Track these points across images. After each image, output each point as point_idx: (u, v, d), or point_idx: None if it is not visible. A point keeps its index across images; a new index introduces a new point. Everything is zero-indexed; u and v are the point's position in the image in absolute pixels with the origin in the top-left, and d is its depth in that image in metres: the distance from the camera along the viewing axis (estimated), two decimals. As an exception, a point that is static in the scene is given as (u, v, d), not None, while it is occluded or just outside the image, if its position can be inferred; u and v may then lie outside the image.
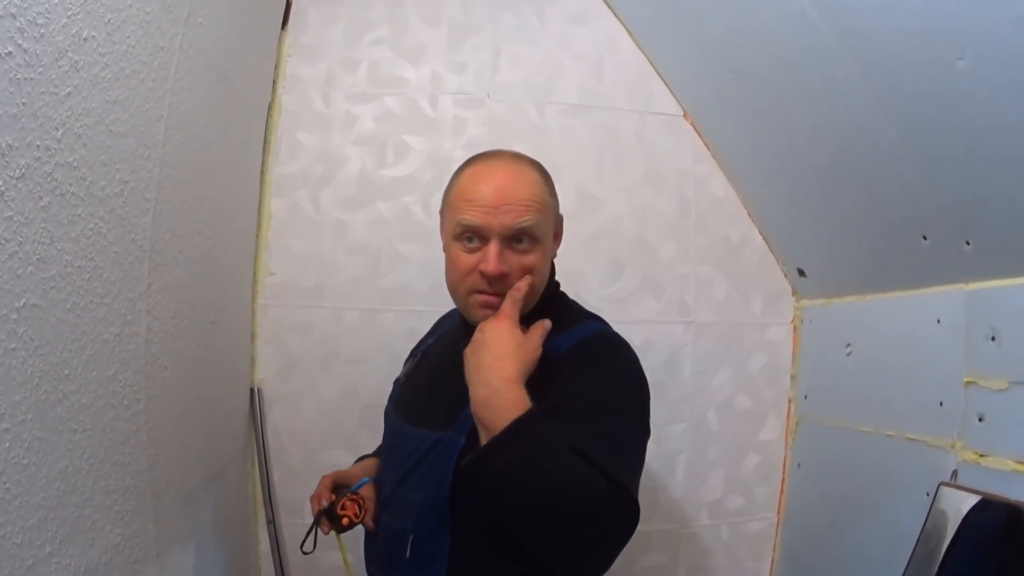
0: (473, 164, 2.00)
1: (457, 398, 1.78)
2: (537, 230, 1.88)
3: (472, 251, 1.89)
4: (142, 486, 1.96)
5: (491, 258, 1.84)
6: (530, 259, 1.88)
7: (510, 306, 1.82)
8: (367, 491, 2.14)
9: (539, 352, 1.78)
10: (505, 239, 1.85)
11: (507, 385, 1.68)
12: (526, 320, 1.86)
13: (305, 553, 2.12)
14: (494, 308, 1.85)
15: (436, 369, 2.12)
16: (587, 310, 2.10)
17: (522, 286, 1.84)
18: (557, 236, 2.06)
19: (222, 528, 2.65)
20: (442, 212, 2.02)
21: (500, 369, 1.70)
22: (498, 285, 1.86)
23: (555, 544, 1.58)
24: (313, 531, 2.11)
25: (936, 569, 2.11)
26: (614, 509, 1.56)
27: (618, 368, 1.88)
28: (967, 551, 2.08)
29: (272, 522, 2.97)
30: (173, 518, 2.17)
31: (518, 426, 1.59)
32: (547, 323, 1.85)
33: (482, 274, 1.86)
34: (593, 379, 1.81)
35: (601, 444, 1.62)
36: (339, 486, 2.18)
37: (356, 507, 2.07)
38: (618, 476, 1.57)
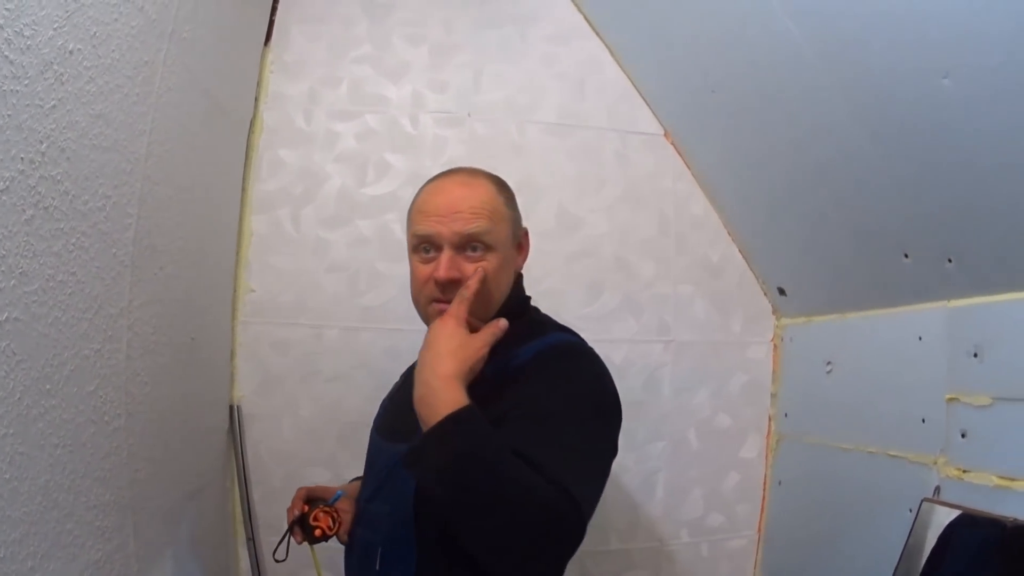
0: (430, 181, 2.05)
1: None
2: (488, 236, 1.91)
3: (428, 261, 1.93)
4: (122, 502, 1.95)
5: (442, 264, 1.87)
6: (484, 266, 1.90)
7: (457, 305, 1.82)
8: (344, 505, 2.16)
9: (484, 351, 1.78)
10: (458, 247, 1.90)
11: (443, 382, 1.68)
12: None
13: (277, 561, 2.15)
14: None
15: (411, 385, 2.12)
16: (559, 323, 2.09)
17: (472, 284, 1.85)
18: (522, 248, 2.10)
19: (202, 545, 2.63)
20: (406, 231, 2.05)
21: (438, 367, 1.71)
22: (451, 291, 1.88)
23: (491, 549, 1.57)
24: (286, 540, 2.14)
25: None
26: (552, 513, 1.52)
27: (576, 375, 1.86)
28: (953, 567, 2.08)
29: (252, 540, 2.96)
30: (153, 535, 2.16)
31: (449, 422, 1.59)
32: (502, 322, 1.85)
33: (436, 282, 1.89)
34: (547, 385, 1.79)
35: (546, 448, 1.61)
36: (313, 498, 2.18)
37: (330, 519, 2.10)
38: (561, 480, 1.54)
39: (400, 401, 2.14)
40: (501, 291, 1.98)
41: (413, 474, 1.67)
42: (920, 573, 2.14)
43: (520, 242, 2.09)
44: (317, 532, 2.08)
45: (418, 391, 1.71)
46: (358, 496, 2.14)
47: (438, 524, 1.72)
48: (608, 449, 1.84)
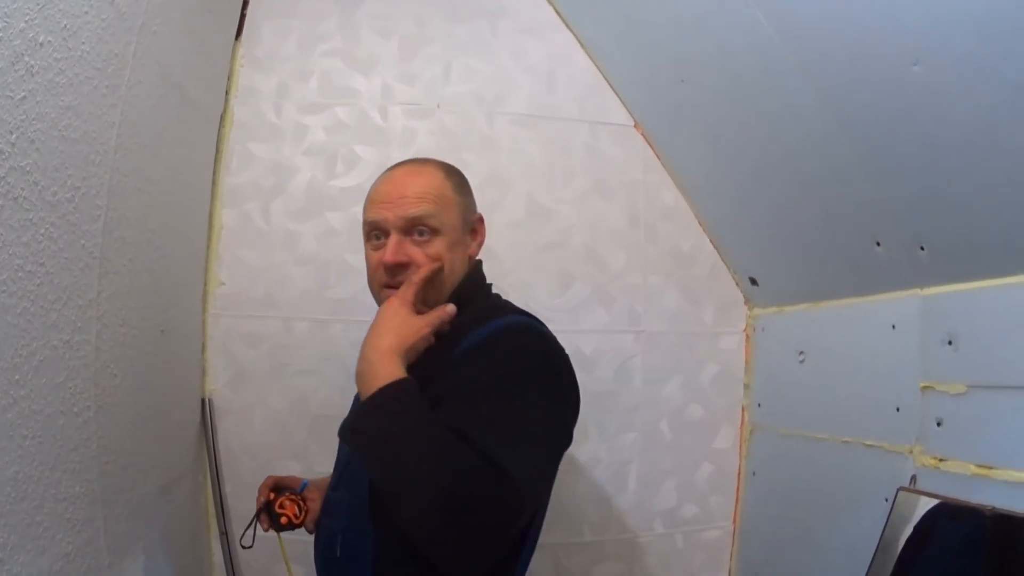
0: (383, 173, 2.09)
1: None
2: (433, 220, 1.94)
3: (378, 248, 1.98)
4: (93, 495, 1.94)
5: (388, 248, 1.92)
6: (432, 250, 1.94)
7: (404, 288, 1.88)
8: (312, 495, 2.21)
9: (426, 331, 1.83)
10: (404, 231, 1.94)
11: (381, 357, 1.73)
12: None
13: (244, 547, 2.17)
14: None
15: None
16: (519, 308, 2.09)
17: (422, 272, 1.89)
18: (476, 234, 2.12)
19: (175, 539, 2.63)
20: None
21: (377, 343, 1.76)
22: (399, 275, 1.92)
23: (420, 523, 1.54)
24: (252, 526, 2.16)
25: (896, 571, 2.13)
26: (486, 488, 1.51)
27: (519, 353, 1.85)
28: (932, 557, 2.08)
29: (225, 534, 2.94)
30: (125, 528, 2.15)
31: (381, 395, 1.63)
32: (449, 307, 1.90)
33: (384, 266, 1.93)
34: (489, 362, 1.80)
35: (479, 422, 1.61)
36: (281, 487, 2.21)
37: (296, 508, 2.14)
38: (493, 454, 1.53)
39: None
40: (453, 275, 2.00)
41: (349, 447, 1.72)
42: (896, 562, 2.14)
43: (474, 228, 2.12)
44: (283, 520, 2.12)
45: (358, 366, 1.76)
46: (327, 487, 2.16)
47: None
48: (552, 425, 1.81)
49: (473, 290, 2.07)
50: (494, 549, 1.59)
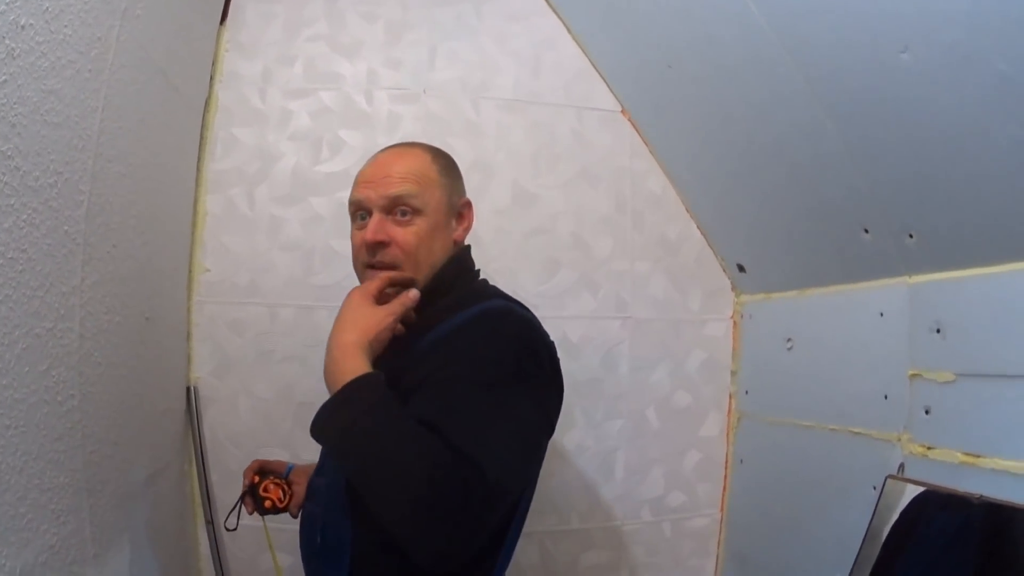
0: (371, 157, 2.09)
1: None
2: (415, 200, 1.94)
3: (362, 227, 1.96)
4: (78, 485, 1.92)
5: (369, 227, 1.92)
6: (412, 229, 1.93)
7: (370, 281, 1.90)
8: (298, 479, 2.23)
9: (389, 320, 1.81)
10: (386, 210, 1.95)
11: (343, 352, 1.73)
12: (426, 300, 1.90)
13: (228, 529, 2.20)
14: None
15: None
16: (504, 294, 2.07)
17: (397, 276, 1.90)
18: (462, 218, 2.11)
19: (161, 529, 2.61)
20: None
21: (339, 337, 1.77)
22: (380, 255, 1.92)
23: (395, 519, 1.54)
24: (237, 509, 2.18)
25: (882, 558, 2.12)
26: (457, 483, 1.49)
27: (494, 338, 1.82)
28: (919, 544, 2.08)
29: (211, 522, 2.93)
30: (110, 518, 2.13)
31: (344, 391, 1.64)
32: (412, 293, 1.88)
33: (365, 246, 1.93)
34: (462, 348, 1.78)
35: (449, 413, 1.60)
36: (266, 471, 2.23)
37: (280, 492, 2.16)
38: (462, 445, 1.52)
39: None
40: (433, 257, 1.99)
41: (319, 443, 1.71)
42: (882, 547, 2.14)
43: (461, 212, 2.10)
44: (267, 504, 2.14)
45: (325, 362, 1.75)
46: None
47: None
48: (530, 412, 1.77)
49: (457, 275, 2.05)
50: (468, 542, 1.58)
